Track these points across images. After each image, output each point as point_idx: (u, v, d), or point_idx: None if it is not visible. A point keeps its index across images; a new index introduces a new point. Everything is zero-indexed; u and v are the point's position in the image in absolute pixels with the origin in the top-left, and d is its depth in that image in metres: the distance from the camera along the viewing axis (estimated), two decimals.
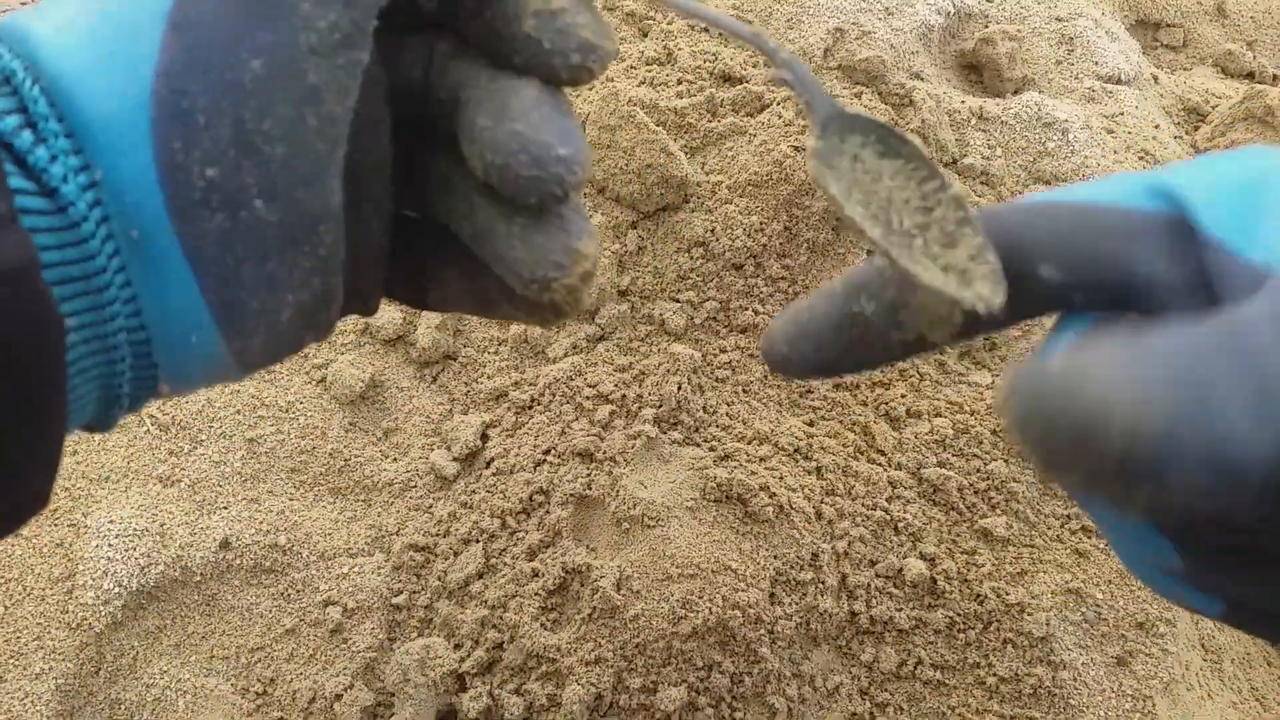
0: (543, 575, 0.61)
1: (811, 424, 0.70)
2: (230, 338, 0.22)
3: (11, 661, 0.61)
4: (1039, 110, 0.83)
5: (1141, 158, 0.85)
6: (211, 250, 0.21)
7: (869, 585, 0.64)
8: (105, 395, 0.23)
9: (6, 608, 0.62)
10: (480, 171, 0.24)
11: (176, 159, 0.20)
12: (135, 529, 0.63)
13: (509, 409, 0.69)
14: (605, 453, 0.65)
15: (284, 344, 0.23)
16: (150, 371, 0.23)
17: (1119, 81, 0.91)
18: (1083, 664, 0.65)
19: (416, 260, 0.28)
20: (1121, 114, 0.87)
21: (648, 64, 0.80)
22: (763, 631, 0.61)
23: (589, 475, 0.64)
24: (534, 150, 0.23)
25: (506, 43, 0.24)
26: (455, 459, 0.67)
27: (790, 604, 0.62)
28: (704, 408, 0.69)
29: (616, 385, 0.69)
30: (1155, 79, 0.96)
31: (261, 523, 0.65)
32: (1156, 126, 0.89)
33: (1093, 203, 0.22)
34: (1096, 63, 0.91)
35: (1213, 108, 0.95)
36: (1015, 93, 0.87)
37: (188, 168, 0.20)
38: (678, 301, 0.72)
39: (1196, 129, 0.94)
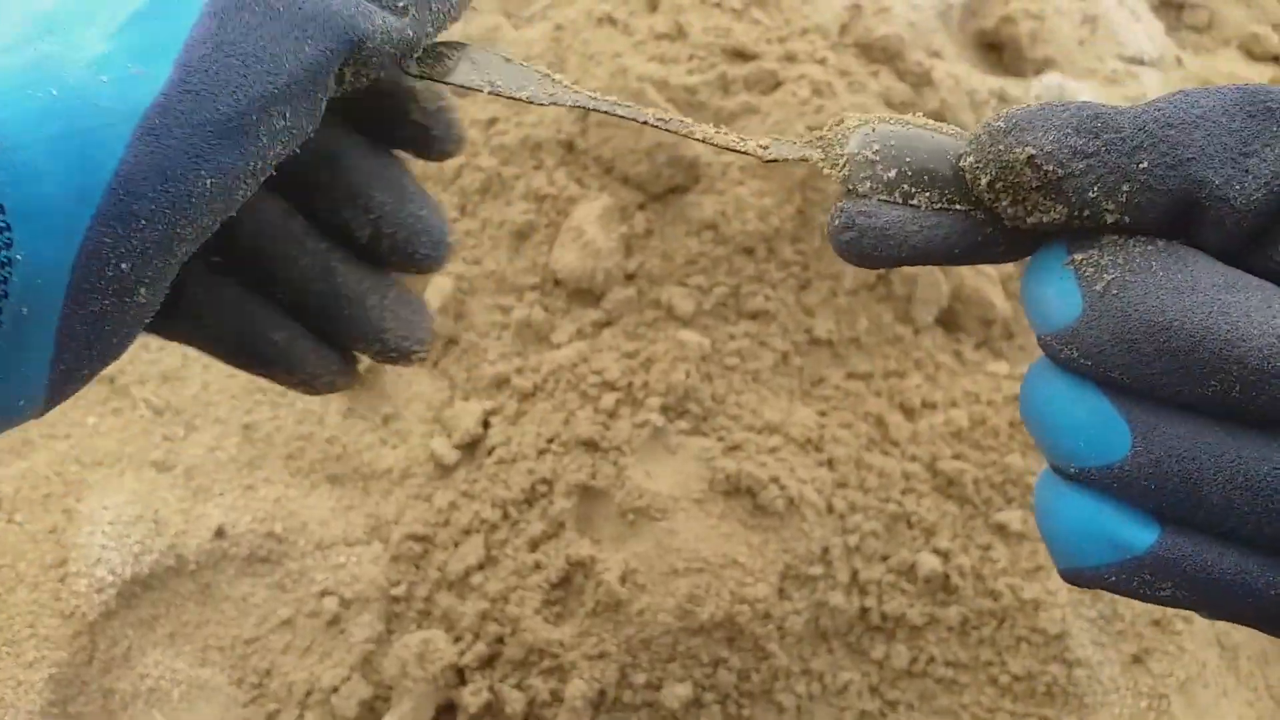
0: (545, 568, 0.60)
1: (824, 414, 0.68)
2: (51, 401, 0.22)
3: (4, 649, 0.60)
4: (1061, 92, 0.80)
5: None
6: (81, 328, 0.21)
7: (881, 581, 0.63)
8: None
9: (0, 595, 0.61)
10: (366, 238, 0.26)
11: (102, 251, 0.20)
12: (129, 516, 0.62)
13: (511, 396, 0.67)
14: (610, 442, 0.63)
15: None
16: None
17: (1142, 63, 0.89)
18: (1098, 662, 0.64)
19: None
20: (1144, 96, 0.85)
21: (657, 39, 0.77)
22: (771, 627, 0.59)
23: (593, 465, 0.63)
24: (435, 235, 0.27)
25: (392, 124, 0.27)
26: (456, 447, 0.66)
27: (800, 599, 0.61)
28: (712, 396, 0.67)
29: (622, 372, 0.67)
30: (1179, 61, 0.93)
31: (257, 511, 0.63)
32: None
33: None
34: (1120, 43, 0.89)
35: None
36: (1036, 73, 0.84)
37: (106, 260, 0.20)
38: (686, 286, 0.70)
39: None
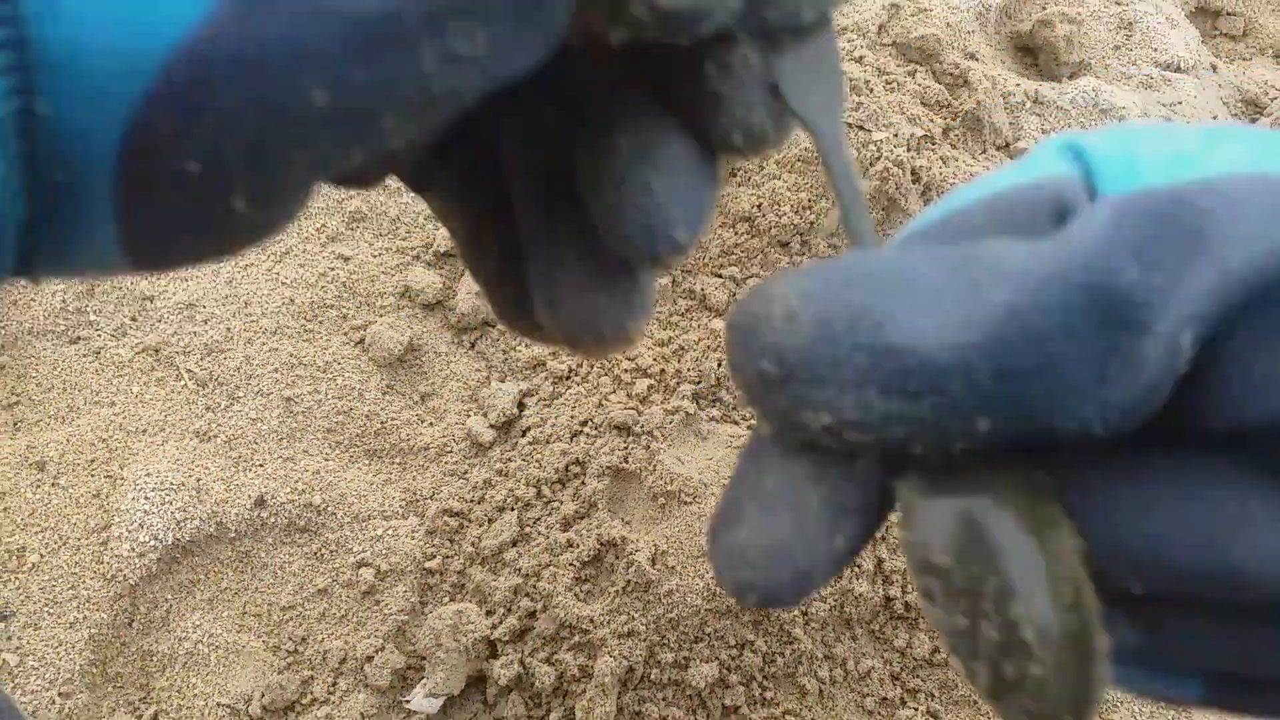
0: (577, 546, 0.61)
1: None
2: (154, 268, 0.19)
3: (46, 610, 0.62)
4: (1096, 96, 0.81)
5: None
6: (150, 221, 0.17)
7: (905, 570, 0.63)
8: None
9: (42, 555, 0.63)
10: (584, 193, 0.21)
11: (157, 141, 0.16)
12: (171, 483, 0.63)
13: (546, 378, 0.68)
14: (643, 427, 0.65)
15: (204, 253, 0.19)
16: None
17: (1177, 69, 0.89)
18: None
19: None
20: (1180, 103, 0.85)
21: None
22: (796, 612, 0.60)
23: (626, 448, 0.64)
24: (656, 221, 0.19)
25: (688, 92, 0.20)
26: (492, 426, 0.67)
27: (825, 586, 0.61)
28: None
29: (655, 359, 0.68)
30: (1214, 68, 0.94)
31: (297, 482, 0.65)
32: (1214, 117, 0.87)
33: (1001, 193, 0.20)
34: (1155, 49, 0.89)
35: (1271, 100, 0.93)
36: (1071, 77, 0.85)
37: (163, 151, 0.16)
38: (720, 277, 0.71)
39: (1254, 121, 0.92)
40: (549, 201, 0.22)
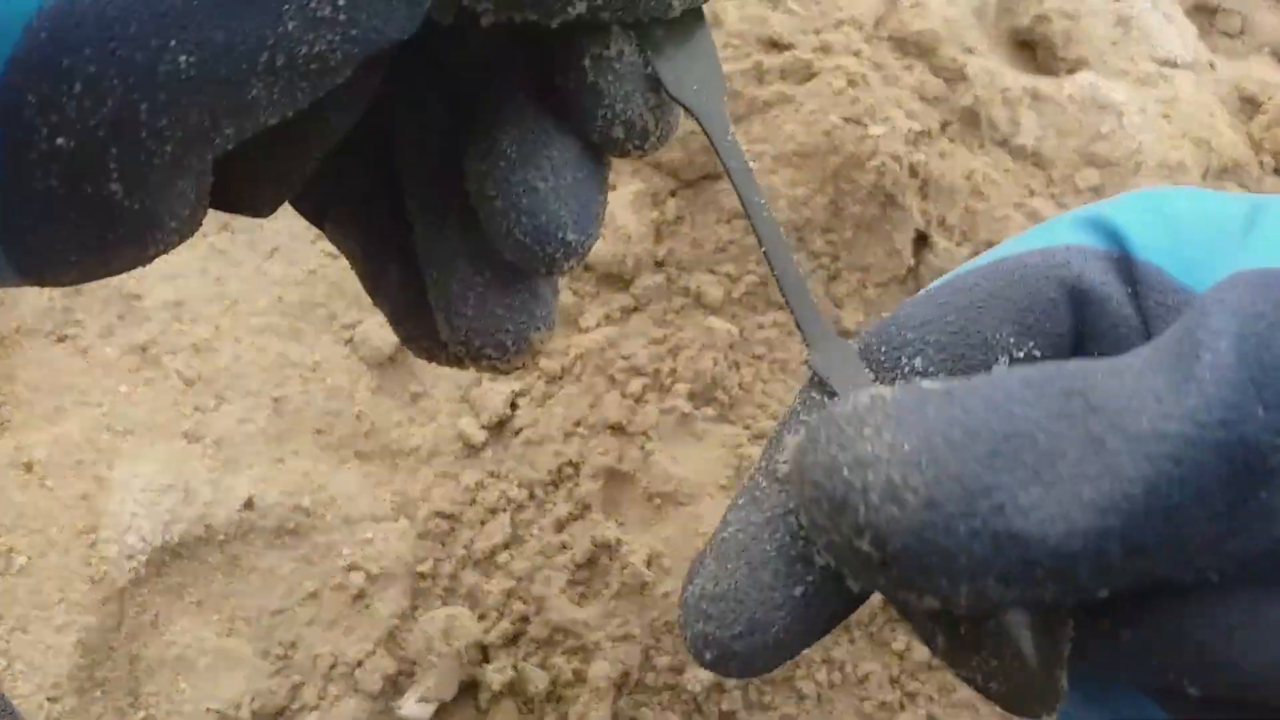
0: (571, 548, 0.60)
1: None
2: (36, 279, 0.18)
3: (34, 613, 0.61)
4: (1094, 92, 0.80)
5: (1197, 144, 0.82)
6: (27, 205, 0.16)
7: None
8: None
9: (30, 559, 0.62)
10: (473, 199, 0.21)
11: (24, 112, 0.15)
12: (159, 485, 0.62)
13: (539, 378, 0.68)
14: (637, 427, 0.64)
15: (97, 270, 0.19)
16: None
17: (1175, 66, 0.88)
18: None
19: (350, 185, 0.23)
20: (1177, 99, 0.85)
21: None
22: None
23: (620, 449, 0.63)
24: (541, 220, 0.20)
25: (568, 89, 0.20)
26: (483, 427, 0.66)
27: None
28: (739, 385, 0.67)
29: (650, 358, 0.67)
30: (1212, 65, 0.93)
31: (286, 484, 0.64)
32: (1212, 114, 0.86)
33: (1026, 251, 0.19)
34: (1153, 45, 0.88)
35: (1269, 98, 0.92)
36: (1069, 72, 0.84)
37: (33, 125, 0.15)
38: (716, 274, 0.70)
39: (1252, 119, 0.91)
40: (443, 213, 0.22)
